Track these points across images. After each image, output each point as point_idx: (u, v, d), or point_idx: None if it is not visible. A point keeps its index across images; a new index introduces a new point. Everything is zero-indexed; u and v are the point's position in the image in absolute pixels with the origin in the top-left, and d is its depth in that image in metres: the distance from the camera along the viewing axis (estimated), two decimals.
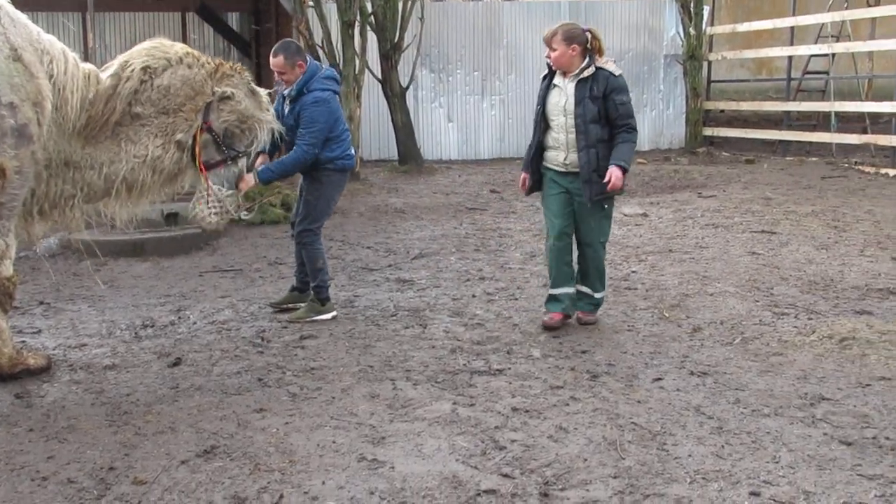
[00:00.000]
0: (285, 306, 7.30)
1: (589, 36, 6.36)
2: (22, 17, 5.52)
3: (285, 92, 7.03)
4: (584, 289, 6.72)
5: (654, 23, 19.40)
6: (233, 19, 18.39)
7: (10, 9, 5.46)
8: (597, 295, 6.74)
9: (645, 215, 11.47)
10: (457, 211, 12.37)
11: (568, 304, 6.67)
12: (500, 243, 10.03)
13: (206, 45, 18.42)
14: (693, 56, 18.55)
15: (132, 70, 5.78)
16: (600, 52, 6.42)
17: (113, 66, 5.83)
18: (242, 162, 6.54)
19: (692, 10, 18.33)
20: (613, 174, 6.21)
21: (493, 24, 18.76)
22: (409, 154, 16.46)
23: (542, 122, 6.56)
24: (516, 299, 7.55)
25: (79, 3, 18.22)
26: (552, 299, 6.70)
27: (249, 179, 6.68)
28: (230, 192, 6.59)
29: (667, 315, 6.98)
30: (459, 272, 8.63)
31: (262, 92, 6.46)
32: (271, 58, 6.96)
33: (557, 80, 6.49)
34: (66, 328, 6.95)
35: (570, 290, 6.68)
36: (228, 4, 18.30)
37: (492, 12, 19.13)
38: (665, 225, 10.84)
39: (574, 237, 6.67)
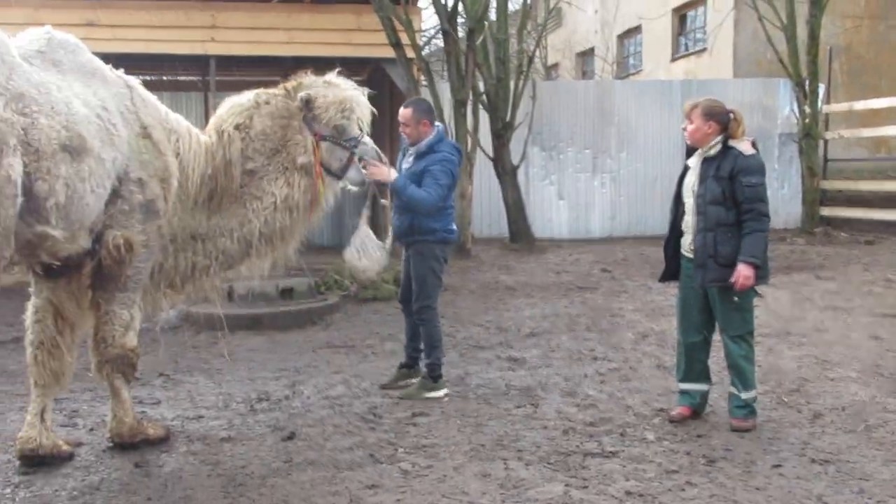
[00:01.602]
0: (397, 385, 7.33)
1: (731, 117, 6.06)
2: (152, 98, 5.77)
3: (409, 148, 7.15)
4: (731, 389, 6.17)
5: (769, 101, 19.18)
6: None
7: (142, 90, 5.71)
8: (742, 395, 6.07)
9: (761, 296, 11.21)
10: (568, 289, 12.31)
11: (700, 402, 6.31)
12: (611, 323, 9.93)
13: None
14: (809, 135, 18.24)
15: (228, 135, 5.96)
16: (736, 137, 6.05)
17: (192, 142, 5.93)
18: (367, 138, 6.46)
19: (807, 88, 18.08)
20: (741, 273, 5.86)
21: (604, 103, 18.80)
22: (519, 232, 16.50)
23: (678, 206, 6.30)
24: (629, 380, 7.44)
25: (202, 84, 18.95)
26: (682, 393, 6.37)
27: (383, 169, 6.67)
28: (382, 243, 6.72)
29: (786, 400, 6.79)
30: (571, 351, 8.56)
31: (333, 77, 6.38)
32: (402, 108, 7.15)
33: (692, 160, 6.22)
34: (184, 400, 7.09)
35: (702, 386, 6.31)
36: None
37: (603, 90, 19.21)
38: (782, 307, 10.60)
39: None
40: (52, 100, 4.81)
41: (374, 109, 6.50)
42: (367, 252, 6.78)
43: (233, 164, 5.90)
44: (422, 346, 7.27)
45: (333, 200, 6.45)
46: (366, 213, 7.00)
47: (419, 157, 7.04)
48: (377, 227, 7.04)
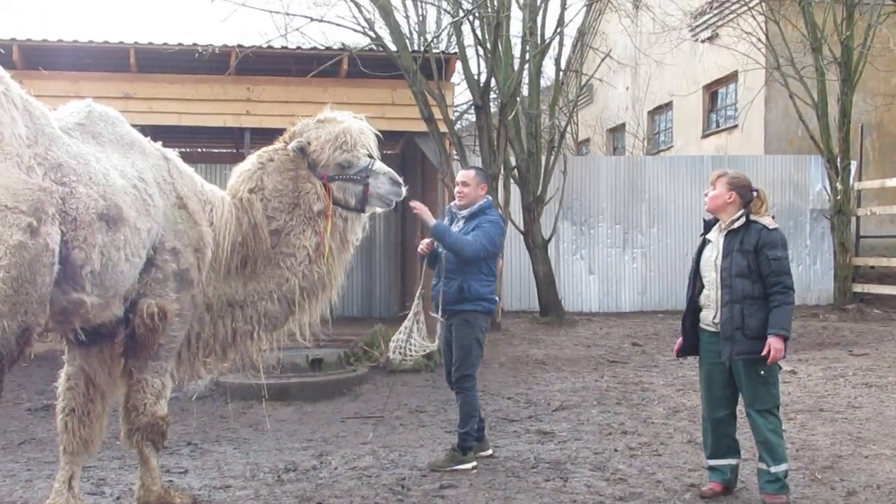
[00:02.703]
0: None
1: (754, 194, 6.10)
2: (188, 169, 5.87)
3: (455, 209, 7.26)
4: (761, 464, 6.03)
5: (800, 178, 19.16)
6: None
7: (178, 161, 5.82)
8: (772, 470, 5.94)
9: (793, 372, 11.13)
10: (598, 363, 12.26)
11: (731, 477, 6.19)
12: (642, 397, 9.86)
13: None
14: (841, 211, 18.18)
15: (246, 200, 5.98)
16: (758, 214, 6.06)
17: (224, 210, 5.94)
18: (377, 164, 6.29)
19: (839, 165, 18.07)
20: (773, 346, 5.78)
21: (634, 178, 18.86)
22: (550, 305, 16.48)
23: (696, 280, 6.28)
24: (660, 455, 7.36)
25: (235, 157, 19.20)
26: (713, 469, 6.25)
27: (425, 209, 6.83)
28: (427, 345, 6.83)
29: (819, 477, 6.68)
30: (601, 425, 8.49)
31: (326, 113, 6.31)
32: (463, 170, 7.39)
33: (711, 234, 6.22)
34: (211, 469, 7.09)
35: (731, 461, 6.19)
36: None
37: (634, 166, 19.29)
38: (814, 383, 10.49)
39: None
40: (90, 170, 4.91)
41: (378, 133, 6.38)
42: (408, 352, 6.86)
43: (259, 226, 5.93)
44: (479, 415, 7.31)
45: (362, 234, 6.37)
46: (417, 309, 7.04)
47: (470, 218, 7.15)
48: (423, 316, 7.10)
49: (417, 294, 7.44)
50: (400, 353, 6.99)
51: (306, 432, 8.40)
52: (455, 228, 7.17)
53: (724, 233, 6.11)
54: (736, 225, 6.06)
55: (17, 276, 4.34)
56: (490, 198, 7.39)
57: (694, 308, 6.30)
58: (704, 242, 6.29)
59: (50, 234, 4.52)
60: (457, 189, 7.28)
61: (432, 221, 6.95)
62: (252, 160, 6.20)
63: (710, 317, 6.15)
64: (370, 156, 6.25)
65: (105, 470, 6.97)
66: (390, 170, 6.36)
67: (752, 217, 6.05)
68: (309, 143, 6.11)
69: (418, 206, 6.88)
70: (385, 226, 18.57)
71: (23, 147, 4.54)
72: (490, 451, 7.35)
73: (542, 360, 12.47)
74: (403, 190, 6.36)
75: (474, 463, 7.03)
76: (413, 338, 6.93)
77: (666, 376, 11.13)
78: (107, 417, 5.70)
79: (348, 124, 6.20)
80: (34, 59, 13.27)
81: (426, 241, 7.20)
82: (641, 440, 7.87)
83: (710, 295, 6.14)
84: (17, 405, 9.46)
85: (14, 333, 4.40)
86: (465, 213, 7.22)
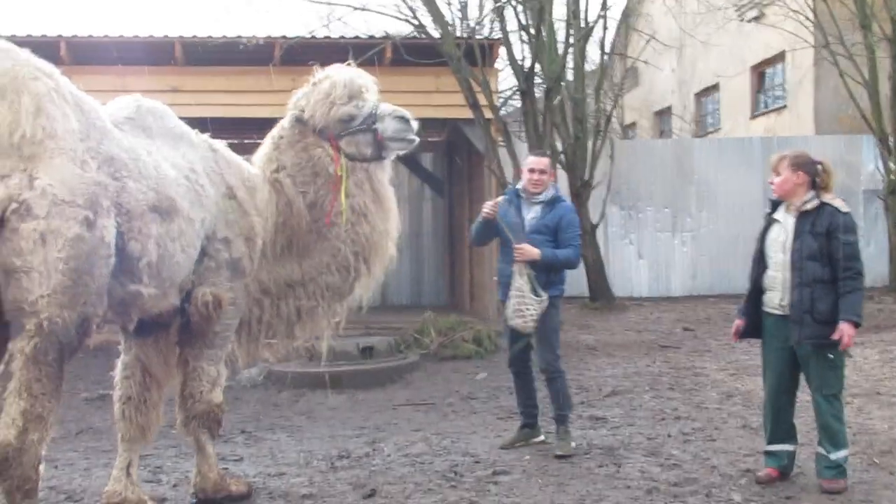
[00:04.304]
0: (517, 444, 7.28)
1: (819, 168, 6.00)
2: (235, 159, 5.90)
3: (524, 195, 7.18)
4: (820, 449, 5.96)
5: (852, 158, 18.88)
6: (426, 160, 19.00)
7: (226, 151, 5.86)
8: (832, 456, 5.85)
9: (849, 356, 10.95)
10: (649, 348, 12.18)
11: (787, 463, 6.11)
12: (695, 382, 9.78)
13: (400, 183, 18.96)
14: (894, 191, 17.89)
15: (275, 181, 5.95)
16: (827, 188, 5.98)
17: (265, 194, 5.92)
18: (381, 107, 6.10)
19: (891, 144, 17.76)
20: (845, 331, 5.69)
21: (683, 161, 18.71)
22: (599, 291, 16.41)
23: (760, 261, 6.15)
24: (714, 440, 7.30)
25: None
26: (769, 454, 6.18)
27: (533, 250, 6.80)
28: (538, 297, 6.78)
29: (877, 461, 6.59)
30: (653, 411, 8.44)
31: (317, 74, 6.15)
32: (537, 157, 7.40)
33: (778, 214, 6.09)
34: (265, 457, 7.14)
35: (790, 447, 6.11)
36: (423, 145, 18.92)
37: (682, 149, 19.14)
38: (871, 366, 10.34)
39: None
40: (141, 163, 4.96)
41: (374, 78, 6.22)
42: (523, 314, 6.81)
43: (293, 203, 5.92)
44: (536, 402, 7.40)
45: (388, 181, 6.28)
46: (524, 270, 6.88)
47: (547, 207, 7.12)
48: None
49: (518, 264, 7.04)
50: (521, 318, 6.89)
51: (358, 420, 8.44)
52: (530, 214, 7.10)
53: (796, 215, 5.96)
54: (808, 207, 5.93)
55: (75, 267, 4.40)
56: (557, 183, 7.38)
57: (757, 290, 6.17)
58: (769, 223, 6.16)
59: (106, 227, 4.56)
60: (533, 176, 7.15)
61: (537, 253, 6.85)
62: (266, 143, 6.17)
63: (775, 299, 6.03)
64: (375, 103, 6.09)
65: (161, 458, 7.05)
66: (395, 107, 6.16)
67: (825, 199, 5.93)
68: (303, 110, 6.04)
69: (522, 252, 6.82)
70: (433, 213, 18.59)
71: (76, 141, 4.59)
72: (542, 438, 7.34)
73: (592, 345, 12.43)
74: (414, 124, 6.19)
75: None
76: (526, 296, 6.85)
77: (718, 361, 11.03)
78: (163, 406, 5.77)
79: (336, 78, 6.07)
80: (81, 54, 13.41)
81: (490, 204, 7.11)
82: (695, 425, 7.81)
83: (777, 277, 6.02)
84: (74, 395, 9.58)
85: (74, 324, 4.45)
86: (541, 198, 7.15)
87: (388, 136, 6.10)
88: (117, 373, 5.68)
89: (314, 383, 9.88)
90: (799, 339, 5.88)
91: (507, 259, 7.05)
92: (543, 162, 7.28)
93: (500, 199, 7.20)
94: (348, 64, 6.27)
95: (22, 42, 4.92)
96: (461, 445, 7.33)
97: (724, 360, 11.07)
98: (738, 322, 6.32)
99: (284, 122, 6.15)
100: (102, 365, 6.25)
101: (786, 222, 6.02)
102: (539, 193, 7.16)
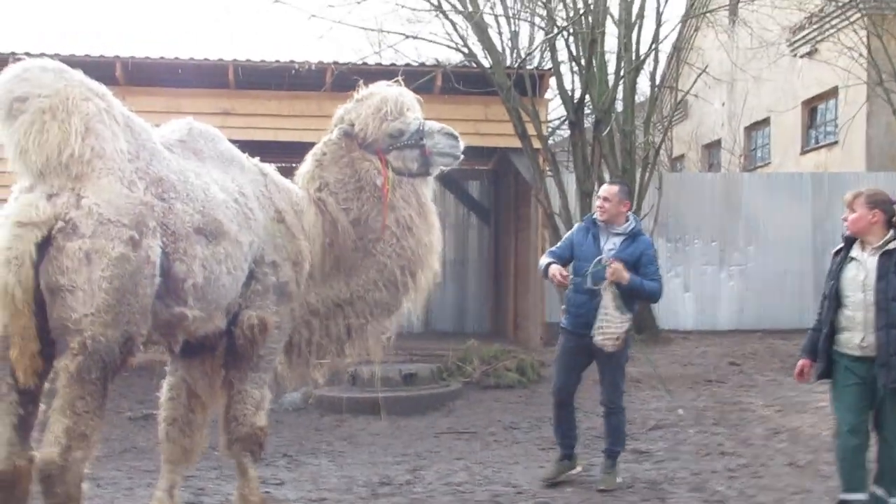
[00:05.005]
0: (559, 478, 7.18)
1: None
2: (284, 182, 5.93)
3: (601, 225, 7.11)
4: (877, 490, 5.76)
5: None
6: (473, 187, 19.00)
7: (276, 175, 5.89)
8: (892, 500, 5.70)
9: None
10: (694, 382, 12.04)
11: None
12: (740, 417, 9.65)
13: (447, 212, 19.01)
14: None
15: (318, 200, 5.93)
16: None
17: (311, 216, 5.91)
18: (428, 124, 6.15)
19: None
20: None
21: (731, 195, 18.52)
22: (644, 323, 16.24)
23: (835, 300, 5.89)
24: (760, 477, 7.18)
25: None
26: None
27: (621, 269, 6.73)
28: (625, 316, 6.75)
29: None
30: (698, 445, 8.33)
31: (363, 91, 6.21)
32: (607, 185, 7.32)
33: (856, 252, 5.86)
34: (307, 481, 7.14)
35: (864, 497, 5.80)
36: (470, 174, 18.97)
37: (730, 183, 18.96)
38: None
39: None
40: (190, 185, 5.00)
41: (419, 98, 6.26)
42: (605, 331, 6.77)
43: (338, 221, 5.91)
44: (576, 433, 7.33)
45: (432, 196, 6.27)
46: (609, 288, 6.79)
47: (628, 240, 7.04)
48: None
49: (598, 273, 6.96)
50: (601, 335, 6.82)
51: (400, 446, 8.42)
52: (608, 245, 7.03)
53: (878, 255, 5.76)
54: (892, 246, 5.74)
55: (119, 287, 4.44)
56: (636, 216, 7.29)
57: (830, 331, 5.92)
58: (843, 260, 5.93)
59: (151, 247, 4.60)
60: (598, 203, 7.17)
61: (627, 277, 6.78)
62: (308, 161, 6.15)
63: (854, 339, 5.79)
64: (421, 120, 6.12)
65: (204, 480, 7.07)
66: (443, 125, 6.21)
67: None
68: (353, 125, 6.05)
69: (615, 272, 6.79)
70: (478, 241, 18.59)
71: (124, 162, 4.64)
72: (580, 469, 7.25)
73: (637, 378, 12.28)
74: (461, 143, 6.23)
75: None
76: (609, 313, 6.79)
77: (765, 397, 10.87)
78: (207, 428, 5.78)
79: (385, 94, 6.10)
80: (136, 75, 13.61)
81: (560, 272, 6.95)
82: (740, 461, 7.70)
83: (856, 317, 5.79)
84: (118, 414, 9.66)
85: (117, 343, 4.49)
86: (619, 230, 7.07)
87: (437, 151, 6.12)
88: (163, 393, 5.70)
89: (357, 409, 9.88)
90: (887, 383, 5.63)
91: (578, 288, 7.02)
92: (610, 190, 7.14)
93: (571, 277, 7.07)
94: (395, 82, 6.29)
95: (79, 62, 5.00)
96: (503, 475, 7.28)
97: (770, 396, 10.90)
98: (805, 362, 6.08)
99: (331, 137, 6.15)
100: (147, 384, 6.29)
101: (864, 261, 5.81)
102: (607, 222, 7.09)
